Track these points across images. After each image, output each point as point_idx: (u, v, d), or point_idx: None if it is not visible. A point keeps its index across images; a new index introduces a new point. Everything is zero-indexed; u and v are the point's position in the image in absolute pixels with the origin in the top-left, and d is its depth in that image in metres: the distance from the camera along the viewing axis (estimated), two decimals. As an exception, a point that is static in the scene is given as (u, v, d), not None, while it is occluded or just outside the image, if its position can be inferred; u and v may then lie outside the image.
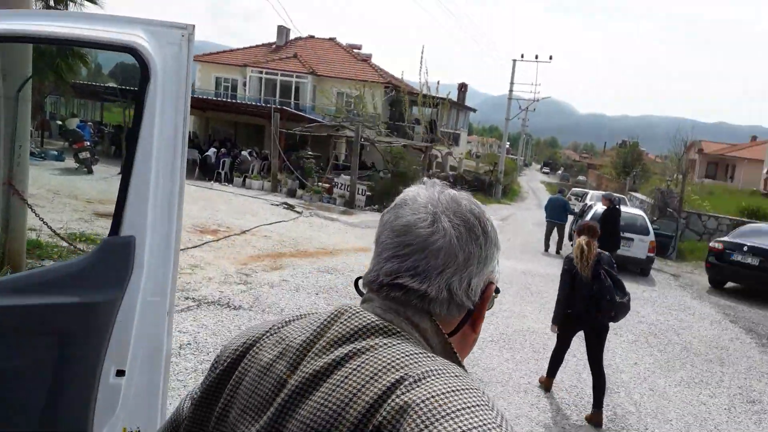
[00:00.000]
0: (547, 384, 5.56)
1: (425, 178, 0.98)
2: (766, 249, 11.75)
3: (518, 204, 34.53)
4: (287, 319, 0.92)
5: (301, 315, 0.93)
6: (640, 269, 12.99)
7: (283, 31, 34.44)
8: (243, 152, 20.87)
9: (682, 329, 8.73)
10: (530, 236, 17.29)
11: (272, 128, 18.73)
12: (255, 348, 0.88)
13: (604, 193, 12.16)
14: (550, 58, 36.67)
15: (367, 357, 0.77)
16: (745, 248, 11.96)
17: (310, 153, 20.57)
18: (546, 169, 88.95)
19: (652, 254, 12.87)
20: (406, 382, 0.72)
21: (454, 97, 35.41)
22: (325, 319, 0.85)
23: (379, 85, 28.55)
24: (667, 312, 9.75)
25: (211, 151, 20.56)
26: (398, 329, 0.81)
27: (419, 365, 0.75)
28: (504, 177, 36.67)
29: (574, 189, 30.64)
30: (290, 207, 14.89)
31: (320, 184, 18.44)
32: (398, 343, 0.79)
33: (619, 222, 11.89)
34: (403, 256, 0.85)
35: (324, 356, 0.80)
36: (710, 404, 5.87)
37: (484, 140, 60.73)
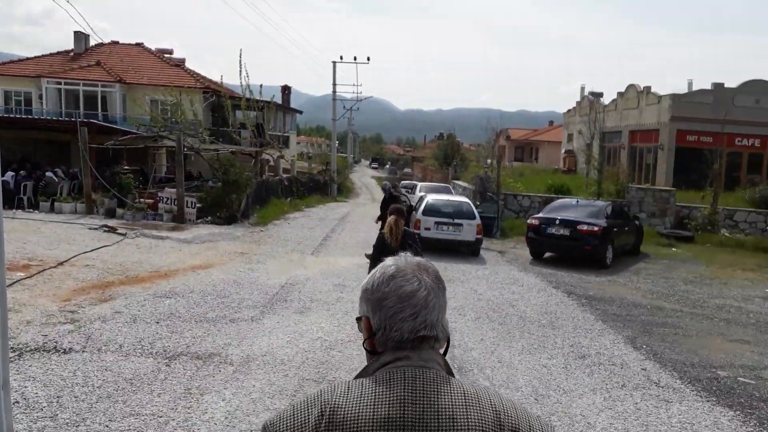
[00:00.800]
0: None
1: (404, 257, 1.32)
2: (573, 220, 13.28)
3: (354, 200, 35.24)
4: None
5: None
6: (471, 251, 13.93)
7: (81, 37, 31.20)
8: (47, 173, 18.50)
9: (515, 301, 9.48)
10: (375, 231, 17.66)
11: (80, 144, 16.85)
12: None
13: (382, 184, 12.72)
14: (368, 59, 37.95)
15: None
16: (557, 221, 13.40)
17: (126, 167, 18.85)
18: (375, 165, 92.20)
19: (480, 236, 13.86)
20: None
21: (278, 99, 34.99)
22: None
23: (197, 91, 27.18)
24: (501, 286, 10.55)
25: (8, 175, 17.89)
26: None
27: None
28: (337, 175, 37.17)
29: (403, 182, 32.07)
30: (111, 229, 13.48)
31: (142, 200, 16.99)
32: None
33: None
34: (415, 315, 1.18)
35: None
36: (550, 366, 6.42)
37: (313, 140, 60.99)
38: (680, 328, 8.38)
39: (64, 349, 5.76)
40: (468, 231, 13.78)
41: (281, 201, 22.86)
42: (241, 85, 26.16)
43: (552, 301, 9.64)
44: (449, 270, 11.68)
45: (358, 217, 22.49)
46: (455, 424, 1.10)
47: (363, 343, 1.24)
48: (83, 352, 5.76)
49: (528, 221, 14.52)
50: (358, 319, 1.28)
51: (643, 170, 28.08)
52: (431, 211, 14.29)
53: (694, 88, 27.40)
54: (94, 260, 10.21)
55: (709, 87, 26.00)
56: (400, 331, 1.17)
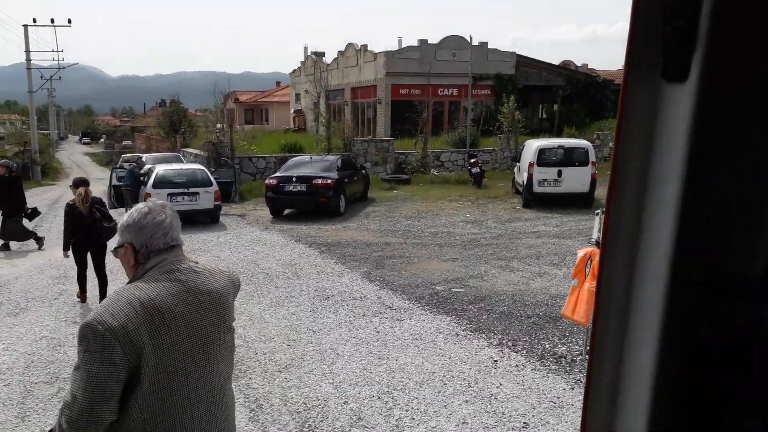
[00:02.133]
0: (82, 297, 7.42)
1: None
2: (308, 176, 13.88)
3: (64, 182, 31.10)
4: None
5: None
6: (210, 218, 13.61)
7: None
8: None
9: (260, 260, 9.66)
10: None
11: None
12: None
13: (1, 161, 11.83)
14: (69, 21, 33.14)
15: None
16: (294, 179, 13.85)
17: None
18: (86, 140, 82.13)
19: (218, 202, 13.60)
20: None
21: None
22: None
23: None
24: (245, 249, 10.61)
25: None
26: None
27: None
28: (40, 156, 32.30)
29: (124, 155, 29.33)
30: None
31: None
32: None
33: (20, 187, 11.68)
34: (166, 233, 1.85)
35: None
36: (299, 312, 6.78)
37: (3, 118, 51.64)
38: (405, 258, 9.54)
39: None
40: (205, 199, 13.39)
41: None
42: None
43: (295, 254, 10.07)
44: (189, 242, 11.26)
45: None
46: (209, 288, 1.86)
47: (127, 264, 1.86)
48: None
49: (266, 182, 14.69)
50: (117, 249, 1.88)
51: (365, 124, 30.44)
52: (163, 182, 13.49)
53: (404, 44, 30.23)
54: None
55: (416, 43, 28.97)
56: (158, 244, 1.83)
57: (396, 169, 20.92)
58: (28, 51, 32.63)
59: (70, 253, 7.27)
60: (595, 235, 5.40)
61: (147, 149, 36.99)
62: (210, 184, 13.70)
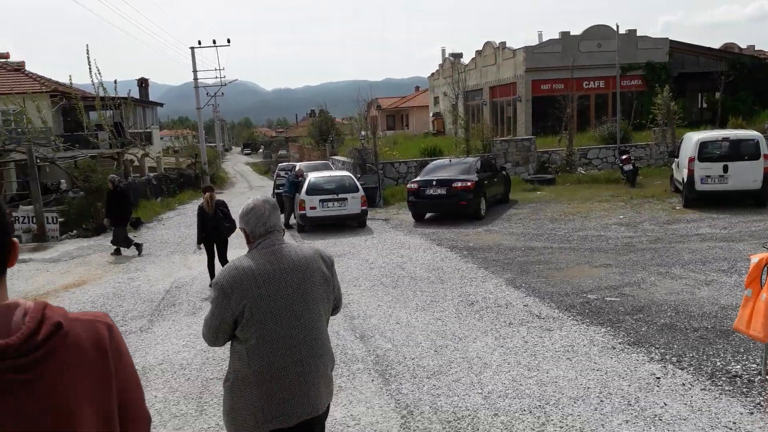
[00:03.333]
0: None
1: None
2: (448, 179, 13.95)
3: (230, 190, 34.20)
4: None
5: None
6: (358, 222, 14.20)
7: None
8: None
9: (405, 263, 9.87)
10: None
11: None
12: None
13: (109, 176, 13.16)
14: (228, 41, 36.44)
15: None
16: (434, 182, 14.00)
17: (-30, 189, 16.93)
18: (247, 151, 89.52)
19: (365, 207, 14.15)
20: None
21: (135, 94, 32.78)
22: None
23: (44, 95, 24.73)
24: (390, 252, 10.91)
25: None
26: None
27: None
28: (209, 167, 35.81)
29: (280, 164, 31.56)
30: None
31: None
32: None
33: (127, 198, 13.02)
34: (264, 222, 2.59)
35: None
36: (443, 318, 6.82)
37: (178, 133, 58.02)
38: (552, 263, 9.20)
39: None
40: (353, 204, 14.01)
41: (151, 202, 21.71)
42: (93, 84, 24.22)
43: (437, 258, 10.15)
44: (338, 245, 11.86)
45: (238, 207, 21.89)
46: (295, 260, 2.54)
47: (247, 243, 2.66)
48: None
49: (407, 186, 15.01)
50: (242, 229, 2.66)
51: (504, 123, 29.84)
52: (314, 189, 14.30)
53: (544, 38, 29.23)
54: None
55: (557, 36, 27.90)
56: (259, 231, 2.59)
57: (539, 168, 20.26)
58: (195, 71, 36.33)
59: (201, 246, 8.98)
60: (774, 239, 4.79)
61: (300, 158, 39.44)
62: (357, 189, 14.29)
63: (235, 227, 8.74)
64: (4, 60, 30.09)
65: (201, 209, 8.94)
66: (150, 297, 8.65)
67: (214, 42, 36.20)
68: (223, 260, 8.82)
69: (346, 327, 6.69)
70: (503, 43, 30.11)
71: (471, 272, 8.98)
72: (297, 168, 17.91)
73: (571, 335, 5.97)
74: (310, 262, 2.58)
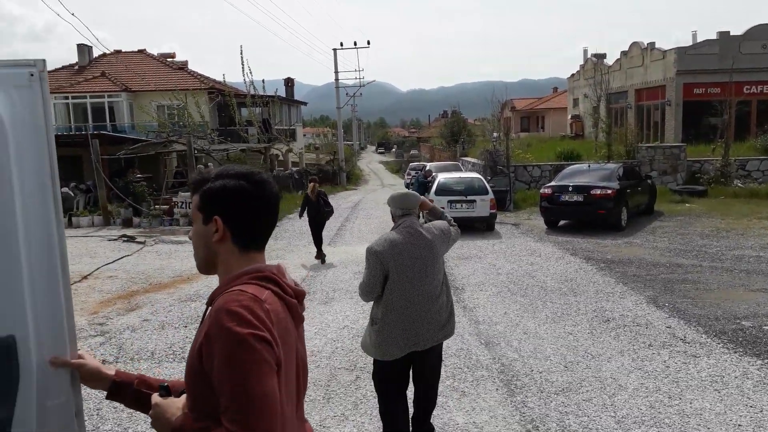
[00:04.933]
0: (320, 256, 10.94)
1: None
2: (586, 185, 13.27)
3: (364, 187, 35.34)
4: None
5: None
6: (486, 226, 13.98)
7: (84, 49, 31.39)
8: (62, 189, 18.76)
9: (534, 272, 9.56)
10: (389, 216, 17.73)
11: (92, 156, 17.09)
12: None
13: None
14: (368, 43, 37.74)
15: None
16: (570, 188, 13.39)
17: (139, 176, 19.07)
18: (381, 150, 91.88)
19: (494, 210, 13.91)
20: None
21: (282, 93, 35.02)
22: None
23: (202, 92, 27.30)
24: (519, 259, 10.62)
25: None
26: None
27: None
28: (345, 164, 37.23)
29: (411, 164, 32.05)
30: (131, 238, 13.70)
31: (157, 207, 17.20)
32: None
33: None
34: (403, 206, 3.79)
35: None
36: (576, 332, 6.51)
37: (319, 131, 60.99)
38: (701, 283, 8.42)
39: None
40: (482, 206, 13.83)
41: (293, 194, 23.00)
42: (245, 82, 26.28)
43: (571, 269, 9.70)
44: (465, 247, 11.76)
45: (371, 203, 22.58)
46: (424, 236, 3.57)
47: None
48: (116, 362, 5.94)
49: (541, 191, 14.52)
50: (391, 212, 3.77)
51: (651, 128, 27.81)
52: (443, 190, 14.33)
53: (699, 39, 26.94)
54: (116, 271, 10.43)
55: (714, 36, 25.56)
56: (398, 212, 3.68)
57: (689, 179, 18.62)
58: (336, 72, 37.97)
59: (304, 217, 11.31)
60: None
61: (430, 158, 39.79)
62: (486, 192, 14.09)
63: (333, 212, 11.61)
64: (171, 60, 33.54)
65: (306, 195, 11.36)
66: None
67: (355, 44, 37.86)
68: (318, 239, 11.01)
69: (471, 331, 6.62)
70: (652, 44, 28.11)
71: (608, 286, 8.48)
72: (426, 168, 18.04)
73: (720, 364, 5.43)
74: (434, 239, 3.61)
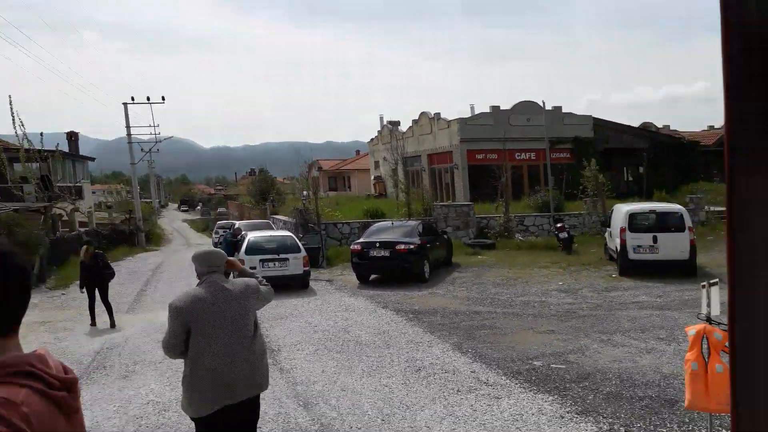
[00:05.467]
0: (93, 322, 10.58)
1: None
2: (391, 241, 13.99)
3: (167, 247, 33.00)
4: None
5: None
6: (301, 283, 13.88)
7: None
8: None
9: (349, 326, 9.65)
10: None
11: None
12: None
13: None
14: (163, 98, 36.00)
15: None
16: (377, 244, 14.00)
17: None
18: (185, 207, 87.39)
19: (307, 268, 13.90)
20: None
21: (64, 147, 31.62)
22: None
23: (-40, 146, 23.45)
24: (334, 314, 10.67)
25: None
26: None
27: None
28: (144, 223, 34.57)
29: (219, 222, 30.92)
30: None
31: None
32: None
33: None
34: (208, 264, 3.71)
35: None
36: (390, 384, 6.63)
37: (111, 188, 56.09)
38: (497, 328, 9.23)
39: None
40: (295, 264, 13.74)
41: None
42: (17, 135, 23.17)
43: (383, 321, 10.00)
44: (281, 306, 11.51)
45: (174, 265, 21.06)
46: (231, 291, 3.54)
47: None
48: None
49: (351, 247, 14.93)
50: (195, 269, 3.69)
51: (443, 188, 30.59)
52: (254, 249, 13.99)
53: (477, 111, 30.61)
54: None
55: (488, 110, 29.28)
56: (204, 270, 3.60)
57: (478, 233, 20.70)
58: (128, 126, 35.53)
59: (84, 289, 10.73)
60: (704, 309, 4.92)
61: (239, 216, 38.77)
62: (299, 250, 14.07)
63: (114, 274, 11.33)
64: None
65: (81, 262, 10.96)
66: (79, 359, 8.05)
67: (148, 99, 35.71)
68: (106, 301, 10.71)
69: (289, 394, 6.39)
70: (438, 114, 31.29)
71: (417, 336, 8.86)
72: (235, 226, 17.52)
73: (519, 403, 5.91)
74: (241, 290, 3.62)
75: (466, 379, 6.73)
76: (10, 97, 22.34)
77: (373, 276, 14.64)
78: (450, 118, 29.86)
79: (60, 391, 1.24)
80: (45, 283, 15.47)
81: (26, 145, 23.11)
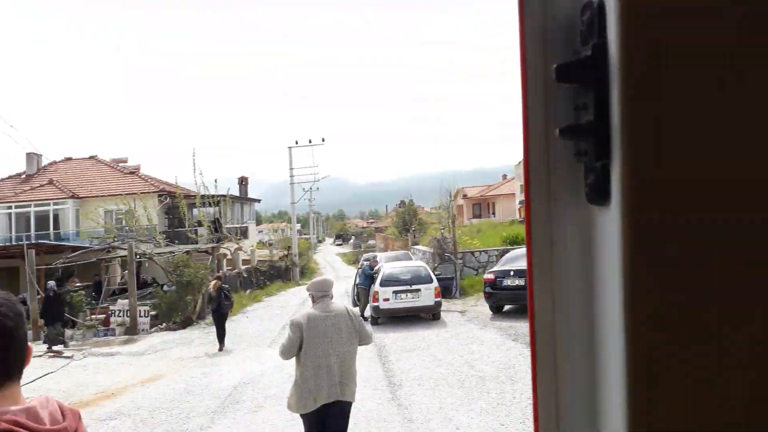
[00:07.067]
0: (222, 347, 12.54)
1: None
2: (526, 269, 13.41)
3: (319, 281, 34.87)
4: None
5: None
6: (432, 315, 13.83)
7: (33, 158, 31.23)
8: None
9: (474, 361, 9.38)
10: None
11: (27, 267, 16.50)
12: None
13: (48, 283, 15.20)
14: (323, 140, 38.67)
15: None
16: (512, 273, 13.50)
17: (78, 284, 18.40)
18: (339, 241, 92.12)
19: (438, 299, 13.81)
20: None
21: (235, 191, 35.20)
22: None
23: (152, 195, 27.18)
24: (460, 348, 10.45)
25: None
26: None
27: None
28: (300, 258, 36.98)
29: (365, 255, 32.12)
30: (57, 353, 12.96)
31: (94, 316, 16.48)
32: None
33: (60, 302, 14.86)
34: (324, 293, 4.82)
35: None
36: (507, 423, 6.31)
37: (274, 226, 60.97)
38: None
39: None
40: (426, 295, 13.74)
41: (240, 294, 22.52)
42: (196, 183, 26.43)
43: (511, 355, 9.58)
44: (409, 338, 11.56)
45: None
46: (334, 313, 4.50)
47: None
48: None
49: (484, 276, 14.59)
50: (310, 294, 4.74)
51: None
52: (389, 280, 14.22)
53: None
54: (34, 391, 9.74)
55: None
56: (318, 294, 4.61)
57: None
58: (291, 168, 38.62)
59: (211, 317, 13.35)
60: None
61: (384, 248, 39.95)
62: (431, 281, 14.05)
63: (232, 304, 13.57)
64: (123, 164, 33.60)
65: (208, 293, 13.26)
66: (217, 393, 8.73)
67: (310, 141, 38.52)
68: (221, 329, 12.57)
69: (403, 431, 6.34)
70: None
71: (545, 372, 8.33)
72: (374, 258, 18.01)
73: None
74: (341, 313, 4.53)
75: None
76: (193, 149, 25.61)
77: (507, 306, 14.14)
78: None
79: None
80: (204, 319, 17.02)
81: (202, 191, 26.22)
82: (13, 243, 24.13)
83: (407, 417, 6.86)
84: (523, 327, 11.94)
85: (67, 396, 9.19)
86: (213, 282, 13.07)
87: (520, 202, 38.27)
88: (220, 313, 12.58)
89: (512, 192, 44.31)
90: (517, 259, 14.53)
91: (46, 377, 10.71)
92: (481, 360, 9.42)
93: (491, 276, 13.92)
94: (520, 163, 40.70)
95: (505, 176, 58.44)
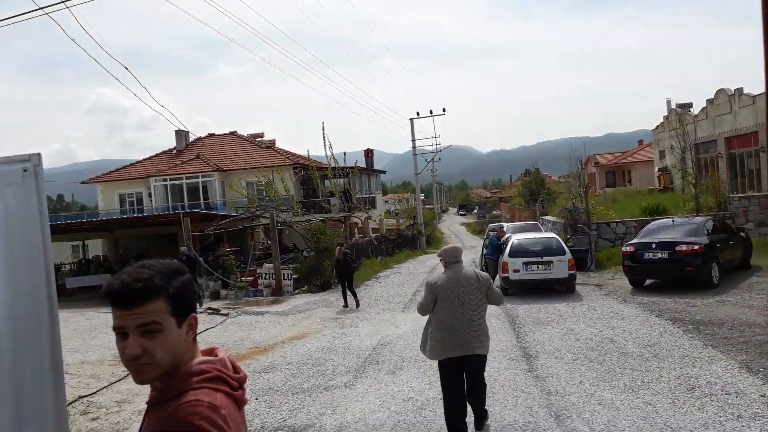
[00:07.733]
0: (346, 304, 13.83)
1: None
2: (671, 242, 12.58)
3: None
4: None
5: None
6: (566, 288, 13.46)
7: (181, 134, 34.38)
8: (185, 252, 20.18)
9: (615, 336, 9.07)
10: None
11: (184, 233, 18.34)
12: None
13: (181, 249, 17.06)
14: (444, 110, 38.52)
15: None
16: (654, 245, 12.75)
17: (228, 249, 20.16)
18: (462, 211, 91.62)
19: (572, 271, 13.39)
20: None
21: (362, 163, 36.30)
22: None
23: (288, 168, 28.86)
24: (599, 322, 10.13)
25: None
26: None
27: None
28: (425, 227, 37.42)
29: (491, 225, 31.79)
30: (215, 311, 14.39)
31: (243, 279, 18.03)
32: None
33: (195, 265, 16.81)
34: (456, 257, 5.57)
35: None
36: (655, 402, 6.08)
37: (399, 197, 62.01)
38: (804, 347, 7.65)
39: None
40: (559, 268, 13.39)
41: (371, 261, 23.35)
42: (326, 156, 27.68)
43: (655, 332, 9.13)
44: (543, 311, 11.39)
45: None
46: (465, 276, 5.23)
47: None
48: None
49: (623, 249, 13.91)
50: (441, 258, 5.48)
51: (746, 177, 26.09)
52: (518, 252, 14.03)
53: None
54: (199, 344, 10.93)
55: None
56: (450, 260, 5.34)
57: (794, 229, 17.18)
58: (413, 140, 38.99)
59: (337, 280, 14.58)
60: None
61: (510, 218, 39.22)
62: (564, 252, 13.66)
63: (359, 267, 15.43)
64: (260, 139, 35.82)
65: (336, 258, 14.35)
66: (358, 353, 9.25)
67: (431, 112, 38.59)
68: (352, 289, 13.90)
69: (542, 403, 6.35)
70: (740, 89, 26.73)
71: (695, 351, 7.89)
72: (501, 228, 17.81)
73: (822, 440, 4.87)
74: (471, 276, 5.21)
75: (753, 404, 5.79)
76: (323, 124, 26.82)
77: (649, 281, 13.39)
78: (755, 93, 25.33)
79: (238, 390, 1.41)
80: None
81: (333, 164, 27.44)
82: (170, 212, 26.82)
83: (545, 389, 6.83)
84: (667, 303, 11.30)
85: (227, 350, 10.23)
86: (337, 248, 14.51)
87: (660, 169, 35.57)
88: (348, 275, 13.85)
89: (650, 158, 41.21)
90: (660, 230, 13.69)
91: (207, 332, 11.97)
92: (623, 335, 9.08)
93: (631, 248, 13.25)
94: (657, 127, 37.82)
95: (641, 141, 54.47)
